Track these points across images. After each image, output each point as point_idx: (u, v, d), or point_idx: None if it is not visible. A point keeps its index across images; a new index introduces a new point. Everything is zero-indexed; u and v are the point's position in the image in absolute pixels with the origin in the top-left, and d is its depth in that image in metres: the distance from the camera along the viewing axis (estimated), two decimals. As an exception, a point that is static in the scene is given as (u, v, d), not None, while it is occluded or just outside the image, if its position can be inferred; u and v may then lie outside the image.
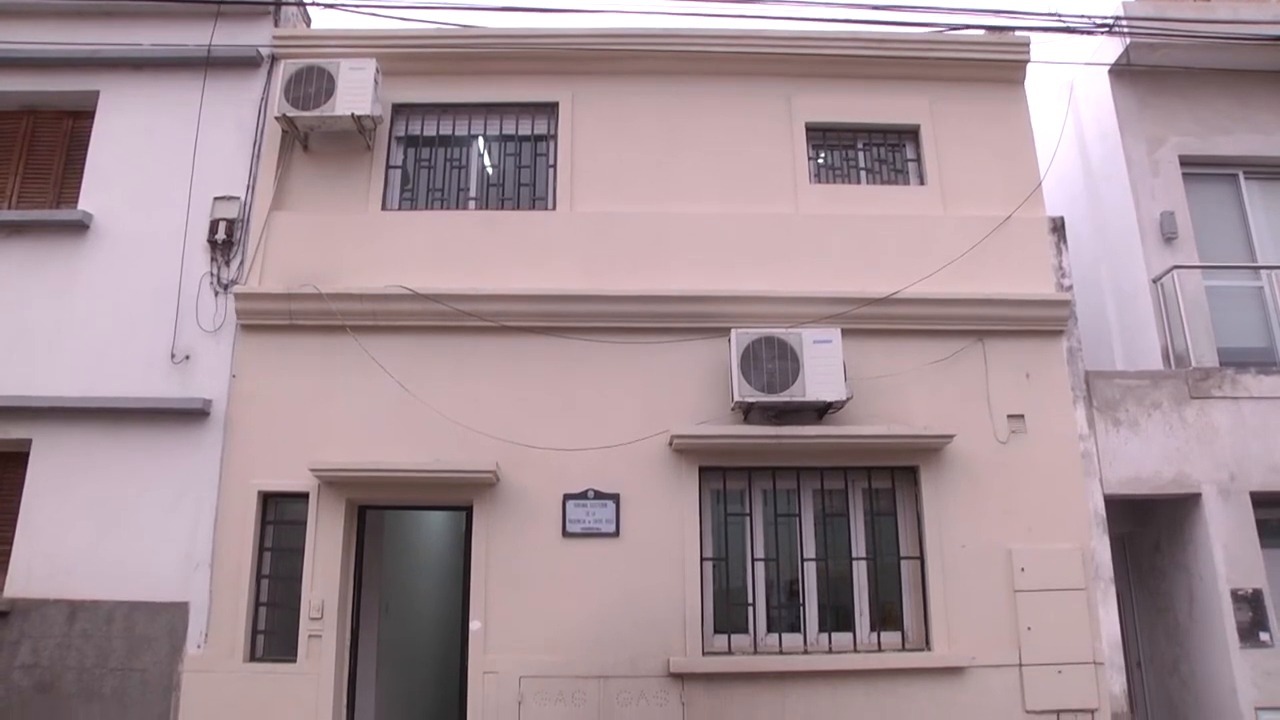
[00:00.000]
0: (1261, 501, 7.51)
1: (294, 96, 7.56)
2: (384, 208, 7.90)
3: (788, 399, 6.94)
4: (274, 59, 8.04)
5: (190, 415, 7.20)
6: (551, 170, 8.07)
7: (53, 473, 7.15)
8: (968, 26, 8.42)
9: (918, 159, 8.22)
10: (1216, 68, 8.65)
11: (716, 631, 7.09)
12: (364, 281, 7.47)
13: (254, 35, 8.13)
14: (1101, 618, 7.06)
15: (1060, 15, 8.67)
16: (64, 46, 7.99)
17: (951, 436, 7.22)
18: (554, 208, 7.92)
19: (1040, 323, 7.59)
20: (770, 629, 7.14)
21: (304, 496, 7.09)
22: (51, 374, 7.31)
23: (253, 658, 6.88)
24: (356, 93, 7.58)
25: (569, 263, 7.62)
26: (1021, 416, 7.43)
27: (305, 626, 6.84)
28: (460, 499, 7.21)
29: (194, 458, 7.16)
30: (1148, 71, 8.66)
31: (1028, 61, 8.31)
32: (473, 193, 8.14)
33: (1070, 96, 9.32)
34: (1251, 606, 7.20)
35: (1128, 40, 8.43)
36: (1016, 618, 7.01)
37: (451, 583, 10.30)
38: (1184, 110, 8.71)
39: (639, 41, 8.18)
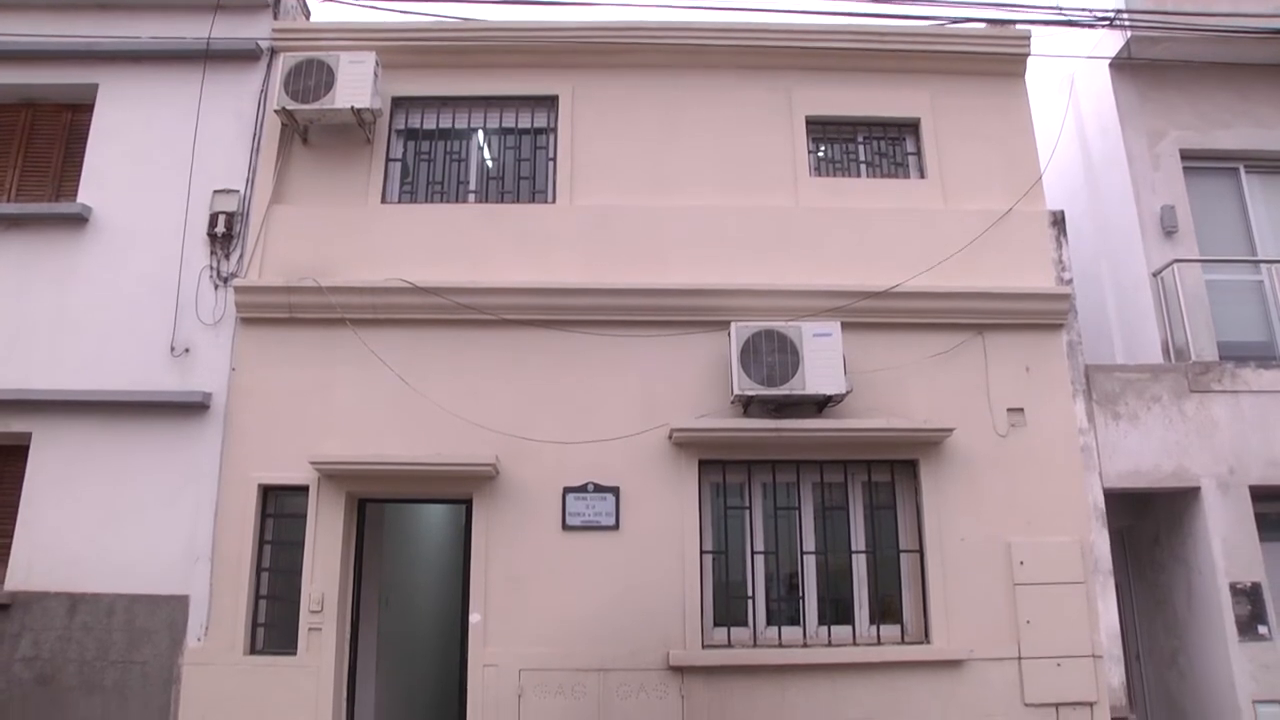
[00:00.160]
0: (1260, 495, 7.52)
1: (293, 89, 7.54)
2: (384, 201, 7.89)
3: (787, 392, 6.95)
4: (273, 52, 8.03)
5: (190, 408, 7.20)
6: (551, 163, 8.06)
7: (53, 466, 7.15)
8: (968, 20, 8.40)
9: (918, 152, 8.21)
10: (1217, 61, 8.64)
11: (716, 624, 7.11)
12: (364, 275, 7.47)
13: (253, 28, 8.11)
14: (1100, 611, 7.07)
15: (1061, 9, 8.68)
16: (62, 39, 7.97)
17: (951, 430, 7.22)
18: (554, 201, 7.91)
19: (1040, 316, 7.59)
20: (770, 622, 7.15)
21: (304, 489, 7.09)
22: (51, 367, 7.31)
23: (253, 650, 6.89)
24: (356, 86, 7.57)
25: (569, 256, 7.62)
26: (1021, 410, 7.43)
27: (305, 619, 6.85)
28: (460, 492, 7.21)
29: (194, 451, 7.16)
30: (1149, 65, 8.64)
31: (1028, 55, 8.30)
32: (472, 186, 8.13)
33: (1071, 90, 9.31)
34: (1250, 600, 7.22)
35: (1128, 34, 8.41)
36: (1016, 611, 7.02)
37: (451, 576, 10.30)
38: (1185, 104, 8.71)
39: (639, 35, 8.16)
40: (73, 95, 8.13)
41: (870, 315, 7.44)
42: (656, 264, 7.61)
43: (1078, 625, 6.99)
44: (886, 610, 7.22)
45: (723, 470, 7.35)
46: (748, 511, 7.34)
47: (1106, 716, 6.86)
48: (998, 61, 8.30)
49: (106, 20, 8.06)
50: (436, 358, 7.36)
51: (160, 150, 7.83)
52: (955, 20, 8.41)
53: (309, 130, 7.86)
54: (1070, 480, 7.33)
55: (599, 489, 7.14)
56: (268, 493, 7.18)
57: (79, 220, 7.63)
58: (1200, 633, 7.45)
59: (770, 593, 7.24)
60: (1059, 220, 7.92)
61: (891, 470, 7.42)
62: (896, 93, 8.25)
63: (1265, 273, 8.47)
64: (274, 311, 7.40)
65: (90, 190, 7.76)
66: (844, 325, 7.18)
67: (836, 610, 7.20)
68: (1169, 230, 8.27)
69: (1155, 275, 8.18)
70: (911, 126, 8.27)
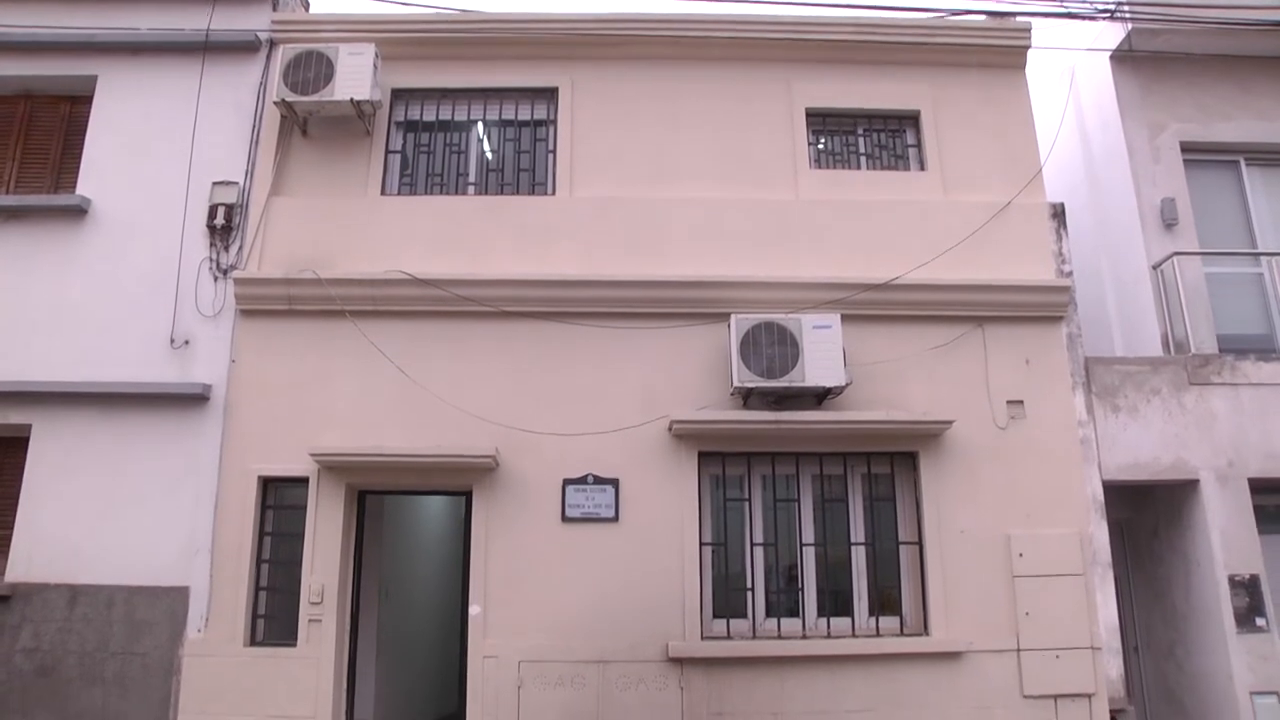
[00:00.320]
0: (1259, 488, 7.53)
1: (293, 81, 7.53)
2: (383, 193, 7.88)
3: (787, 384, 6.95)
4: (272, 43, 8.02)
5: (190, 400, 7.21)
6: (551, 155, 8.05)
7: (53, 458, 7.16)
8: (969, 11, 8.41)
9: (918, 144, 8.20)
10: (1218, 54, 8.62)
11: (715, 616, 7.12)
12: (363, 267, 7.47)
13: (252, 19, 8.10)
14: (1099, 603, 7.08)
15: (1062, 1, 8.64)
16: (61, 30, 7.96)
17: (951, 422, 7.22)
18: (554, 193, 7.90)
19: (1040, 309, 7.59)
20: (769, 614, 7.16)
21: (304, 481, 7.10)
22: (51, 359, 7.30)
23: (253, 642, 6.91)
24: (355, 77, 7.55)
25: (569, 248, 7.61)
26: (1021, 402, 7.44)
27: (305, 611, 6.87)
28: (460, 484, 7.22)
29: (194, 443, 7.17)
30: (1149, 57, 8.63)
31: (1029, 47, 8.29)
32: (472, 178, 8.12)
33: (1071, 82, 9.29)
34: (1248, 592, 7.23)
35: (1129, 26, 8.40)
36: (1015, 603, 7.03)
37: (451, 567, 10.31)
38: (1185, 96, 8.69)
39: (639, 26, 8.14)
40: (71, 87, 8.11)
41: (870, 307, 7.44)
42: (656, 256, 7.60)
43: (1076, 617, 7.00)
44: (885, 602, 7.23)
45: (722, 462, 7.36)
46: (747, 503, 7.35)
47: (1105, 708, 6.88)
48: (998, 54, 8.29)
49: (105, 11, 8.03)
50: (436, 349, 7.36)
51: (159, 142, 7.82)
52: (955, 12, 8.41)
53: (308, 122, 7.84)
54: (1069, 472, 7.34)
55: (598, 481, 7.14)
56: (268, 484, 7.19)
57: (78, 212, 7.62)
58: (1198, 625, 7.47)
59: (769, 585, 7.25)
60: (1059, 213, 7.92)
61: (891, 462, 7.42)
62: (897, 85, 8.24)
63: (1265, 265, 8.47)
64: (274, 303, 7.39)
65: (89, 182, 7.75)
66: (844, 317, 7.18)
67: (836, 602, 7.21)
68: (1169, 223, 8.27)
69: (1155, 268, 8.17)
70: (912, 119, 8.26)
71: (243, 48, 8.03)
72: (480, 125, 8.25)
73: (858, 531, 7.34)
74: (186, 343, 7.36)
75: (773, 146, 8.03)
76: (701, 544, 7.14)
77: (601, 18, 8.14)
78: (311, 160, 7.88)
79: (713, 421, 7.16)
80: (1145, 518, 8.16)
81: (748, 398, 7.22)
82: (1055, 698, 6.88)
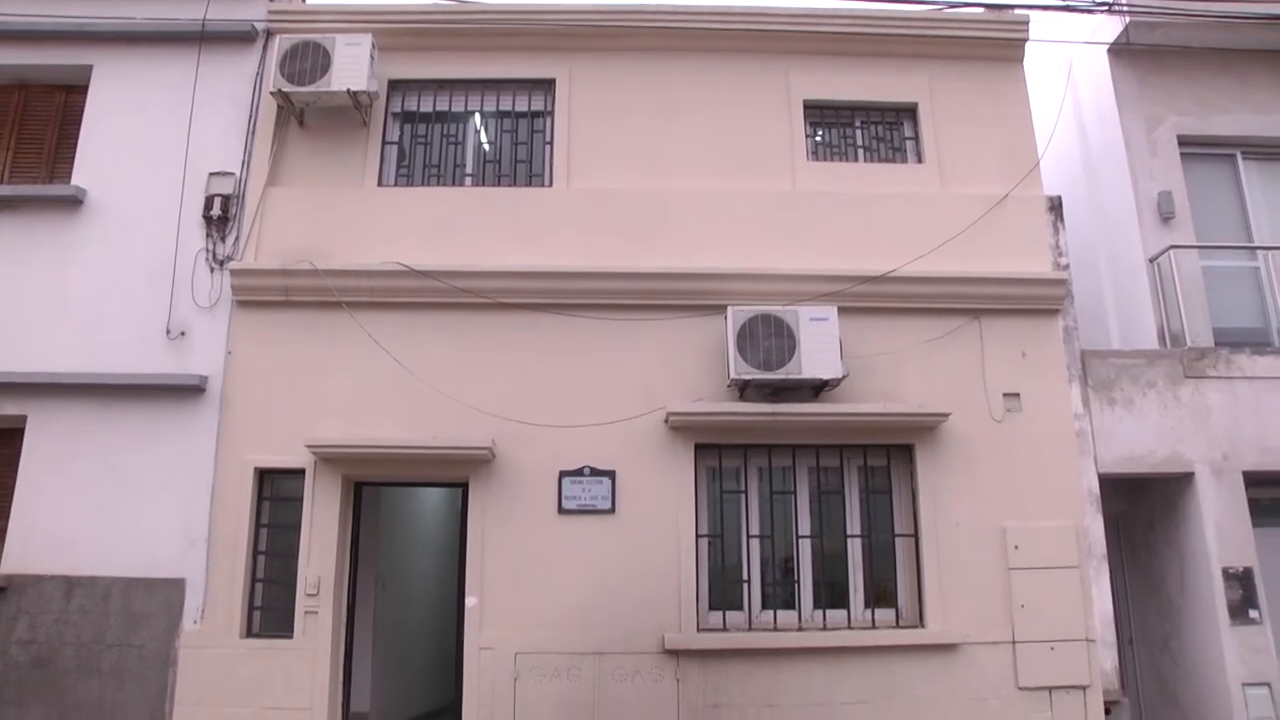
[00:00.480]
0: (1254, 481, 7.56)
1: (289, 72, 7.50)
2: (380, 184, 7.87)
3: (784, 376, 6.95)
4: (269, 34, 7.98)
5: (186, 391, 7.19)
6: (548, 147, 8.04)
7: (48, 449, 7.14)
8: (967, 4, 8.38)
9: (916, 137, 8.20)
10: (1216, 47, 8.61)
11: (712, 608, 7.13)
12: (360, 258, 7.45)
13: (249, 9, 8.06)
14: (1094, 595, 7.10)
15: (1060, -7, 8.64)
16: (56, 19, 7.93)
17: (947, 415, 7.23)
18: (551, 184, 7.89)
19: (1037, 301, 7.60)
20: (765, 606, 7.18)
21: (300, 473, 7.09)
22: (46, 350, 7.28)
23: (249, 633, 6.91)
24: (352, 68, 7.53)
25: (566, 240, 7.60)
26: (1017, 395, 7.45)
27: (301, 602, 6.87)
28: (456, 475, 7.22)
29: (190, 434, 7.15)
30: (1147, 51, 8.62)
31: (1027, 40, 8.28)
32: (469, 169, 8.10)
33: (1069, 75, 9.29)
34: (1242, 584, 7.26)
35: (1127, 19, 8.39)
36: (1010, 595, 7.05)
37: (448, 559, 10.32)
38: (1183, 90, 8.69)
39: (637, 18, 8.13)
40: (66, 76, 8.07)
41: (867, 300, 7.44)
42: (653, 248, 7.59)
43: (1071, 609, 7.02)
44: (881, 594, 7.24)
45: (719, 454, 7.36)
46: (744, 495, 7.36)
47: (1099, 700, 6.90)
48: (996, 46, 8.28)
49: (100, 0, 7.99)
50: (433, 341, 7.36)
51: (155, 132, 7.79)
52: (954, 5, 8.38)
53: (305, 113, 7.82)
54: (1065, 465, 7.36)
55: (595, 473, 7.14)
56: (264, 476, 7.18)
57: (73, 202, 7.59)
58: (1192, 617, 7.50)
59: (766, 577, 7.26)
60: (1056, 205, 7.92)
61: (887, 455, 7.44)
62: (894, 77, 8.23)
63: (1261, 259, 8.48)
64: (270, 294, 7.38)
65: (84, 172, 7.72)
66: (841, 310, 7.18)
67: (832, 594, 7.22)
68: (1166, 216, 8.27)
69: (1152, 261, 8.18)
70: (909, 111, 8.26)
71: (239, 38, 7.99)
72: (477, 116, 8.23)
73: (854, 524, 7.35)
74: (183, 334, 7.35)
75: (770, 138, 8.02)
76: (698, 536, 7.14)
77: (599, 9, 8.12)
78: (308, 151, 7.86)
79: (709, 413, 7.16)
80: (1140, 511, 8.18)
81: (744, 390, 7.22)
82: (1050, 689, 6.90)
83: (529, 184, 7.99)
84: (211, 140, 7.76)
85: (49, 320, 7.37)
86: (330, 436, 7.06)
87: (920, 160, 8.10)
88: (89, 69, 7.98)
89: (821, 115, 8.27)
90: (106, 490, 7.05)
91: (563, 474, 7.15)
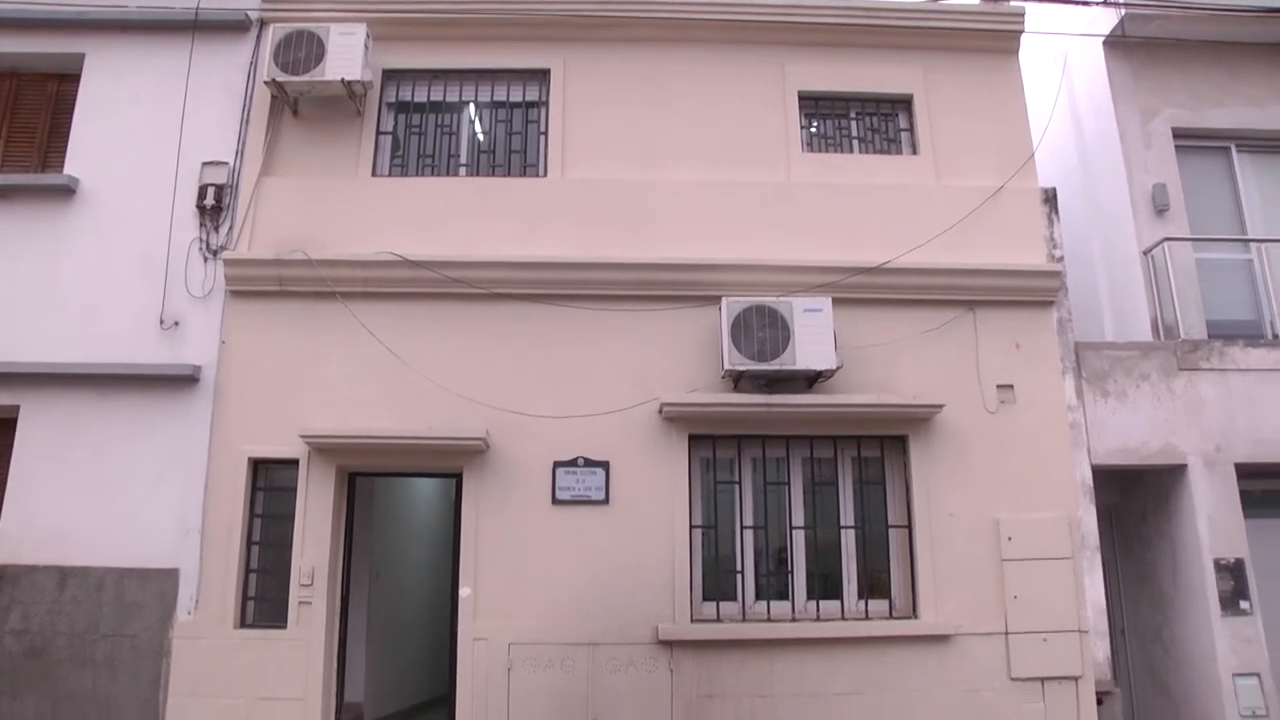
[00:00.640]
0: (1246, 473, 7.58)
1: (283, 61, 7.47)
2: (374, 174, 7.84)
3: (778, 367, 6.96)
4: (263, 22, 7.94)
5: (180, 381, 7.18)
6: (543, 137, 8.02)
7: (41, 439, 7.12)
8: (963, -5, 8.39)
9: (910, 128, 8.20)
10: (1210, 39, 8.62)
11: (705, 599, 7.14)
12: (354, 248, 7.43)
13: (242, -2, 8.03)
14: (1087, 586, 7.13)
15: (1056, -15, 8.63)
16: (48, 7, 7.87)
17: (941, 406, 7.24)
18: (545, 175, 7.87)
19: (1031, 293, 7.61)
20: (759, 597, 7.19)
21: (294, 463, 7.09)
22: (39, 340, 7.25)
23: (243, 624, 6.91)
24: (347, 58, 7.49)
25: (560, 230, 7.59)
26: (1011, 387, 7.46)
27: (295, 593, 6.87)
28: (450, 466, 7.21)
29: (184, 424, 7.14)
30: (1142, 43, 8.62)
31: (1022, 32, 8.28)
32: (464, 159, 8.08)
33: (1064, 67, 9.29)
34: (1233, 576, 7.29)
35: (1122, 11, 8.40)
36: (1003, 586, 7.07)
37: (442, 549, 10.33)
38: (1178, 82, 8.69)
39: (632, 8, 8.10)
40: (58, 65, 8.03)
41: (861, 291, 7.45)
42: (648, 238, 7.58)
43: (1064, 601, 7.05)
44: (875, 585, 7.26)
45: (713, 445, 7.37)
46: (737, 486, 7.36)
47: (1091, 690, 6.93)
48: (991, 38, 8.27)
49: (93, -11, 7.97)
50: (427, 331, 7.34)
51: (148, 121, 7.75)
52: (950, -5, 8.39)
53: (299, 102, 7.79)
54: (1059, 457, 7.37)
55: (589, 463, 7.15)
56: (258, 466, 7.17)
57: (66, 192, 7.56)
58: (1184, 608, 7.53)
59: (759, 567, 7.27)
60: (1051, 197, 7.92)
61: (881, 446, 7.44)
62: (890, 69, 8.22)
63: (1255, 252, 8.50)
64: (264, 284, 7.36)
65: (77, 161, 7.68)
66: (835, 301, 7.18)
67: (825, 585, 7.23)
68: (1160, 208, 8.28)
69: (1146, 253, 8.19)
70: (904, 103, 8.25)
71: (233, 26, 7.96)
72: (472, 106, 8.21)
73: (847, 515, 7.37)
74: (176, 324, 7.33)
75: (765, 129, 8.01)
76: (692, 526, 7.15)
77: (595, -1, 8.11)
78: (302, 141, 7.83)
79: (703, 404, 7.16)
80: (1133, 502, 8.20)
81: (738, 381, 7.23)
82: (1042, 680, 6.93)
83: (523, 174, 7.98)
84: (205, 129, 7.73)
85: (42, 310, 7.34)
86: (324, 427, 7.04)
87: (915, 152, 8.09)
88: (81, 57, 7.93)
89: (816, 106, 8.26)
90: (100, 480, 7.03)
91: (557, 464, 7.15)
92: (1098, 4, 8.54)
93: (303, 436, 6.95)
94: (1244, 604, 7.23)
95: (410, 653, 9.69)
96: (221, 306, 7.37)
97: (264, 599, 7.00)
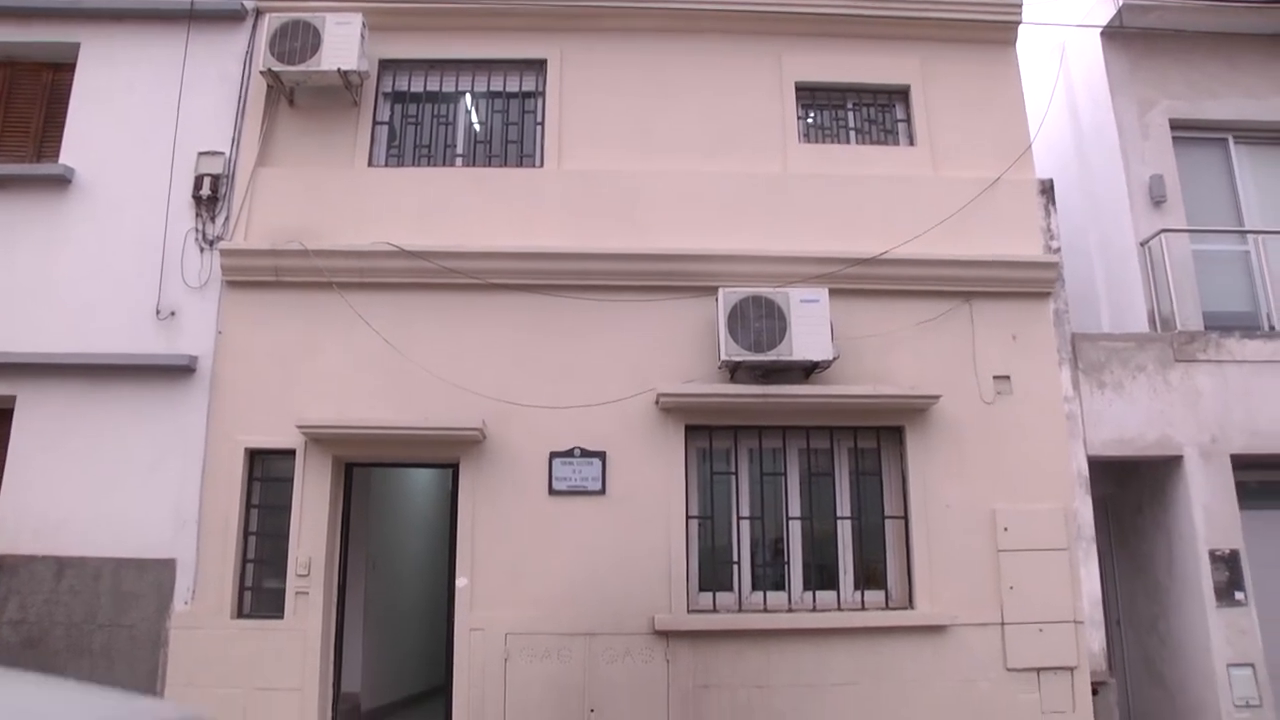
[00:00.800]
0: (1242, 464, 7.60)
1: (279, 51, 7.44)
2: (370, 164, 7.82)
3: (775, 358, 6.96)
4: (258, 12, 7.90)
5: (176, 372, 7.17)
6: (540, 127, 8.00)
7: (38, 429, 7.11)
8: (960, -14, 8.34)
9: (908, 119, 8.19)
10: (1208, 30, 8.61)
11: (702, 589, 7.15)
12: (350, 238, 7.42)
13: (238, -13, 8.00)
14: (1083, 577, 7.15)
15: (1053, -24, 8.62)
16: (43, -4, 7.85)
17: (937, 397, 7.25)
18: (541, 165, 7.86)
19: (1028, 284, 7.61)
20: (755, 587, 7.20)
21: (291, 453, 7.08)
22: (35, 330, 7.24)
23: (240, 614, 6.91)
24: (343, 47, 7.46)
25: (557, 220, 7.58)
26: (1007, 378, 7.46)
27: (292, 583, 6.87)
28: (447, 456, 7.21)
29: (180, 414, 7.13)
30: (1140, 34, 8.61)
31: (1020, 23, 8.26)
32: (460, 150, 8.06)
33: (1062, 58, 9.27)
34: (1228, 566, 7.31)
35: (1120, 2, 8.39)
36: (999, 577, 7.08)
37: (438, 540, 10.34)
38: (1175, 73, 8.68)
39: (629, -2, 8.09)
40: (53, 54, 7.99)
41: (858, 282, 7.44)
42: (645, 229, 7.57)
43: (1060, 591, 7.06)
44: (871, 576, 7.28)
45: (709, 435, 7.37)
46: (734, 477, 7.37)
47: (1087, 681, 6.95)
48: (989, 29, 8.26)
49: (88, -22, 7.93)
50: (423, 322, 7.34)
51: (144, 111, 7.73)
52: (947, -14, 8.34)
53: (295, 92, 7.76)
54: (1055, 448, 7.38)
55: (585, 454, 7.15)
56: (254, 456, 7.17)
57: (61, 182, 7.54)
58: (1180, 599, 7.55)
59: (756, 558, 7.28)
60: (1048, 189, 7.92)
61: (878, 436, 7.45)
62: (887, 59, 8.20)
63: (1252, 243, 8.50)
64: (260, 274, 7.35)
65: (72, 151, 7.66)
66: (832, 292, 7.19)
67: (821, 576, 7.25)
68: (1157, 200, 8.28)
69: (1143, 245, 8.19)
70: (901, 93, 8.24)
71: (228, 16, 7.93)
72: (468, 97, 8.19)
73: (844, 505, 7.38)
74: (172, 314, 7.31)
75: (762, 120, 7.99)
76: (688, 517, 7.16)
77: (592, -11, 8.08)
78: (298, 131, 7.81)
79: (700, 395, 7.16)
80: (1129, 493, 8.22)
81: (735, 371, 7.23)
82: (1038, 670, 6.95)
83: (520, 165, 7.96)
84: (201, 119, 7.70)
85: (38, 300, 7.33)
86: (321, 417, 7.04)
87: (912, 143, 8.08)
88: (76, 47, 7.90)
89: (813, 97, 8.24)
90: (97, 471, 7.03)
91: (553, 455, 7.15)
92: (1096, -5, 8.54)
93: (299, 427, 6.94)
94: (1239, 595, 7.26)
95: (407, 643, 9.71)
96: (218, 297, 7.36)
97: (261, 589, 7.01)
